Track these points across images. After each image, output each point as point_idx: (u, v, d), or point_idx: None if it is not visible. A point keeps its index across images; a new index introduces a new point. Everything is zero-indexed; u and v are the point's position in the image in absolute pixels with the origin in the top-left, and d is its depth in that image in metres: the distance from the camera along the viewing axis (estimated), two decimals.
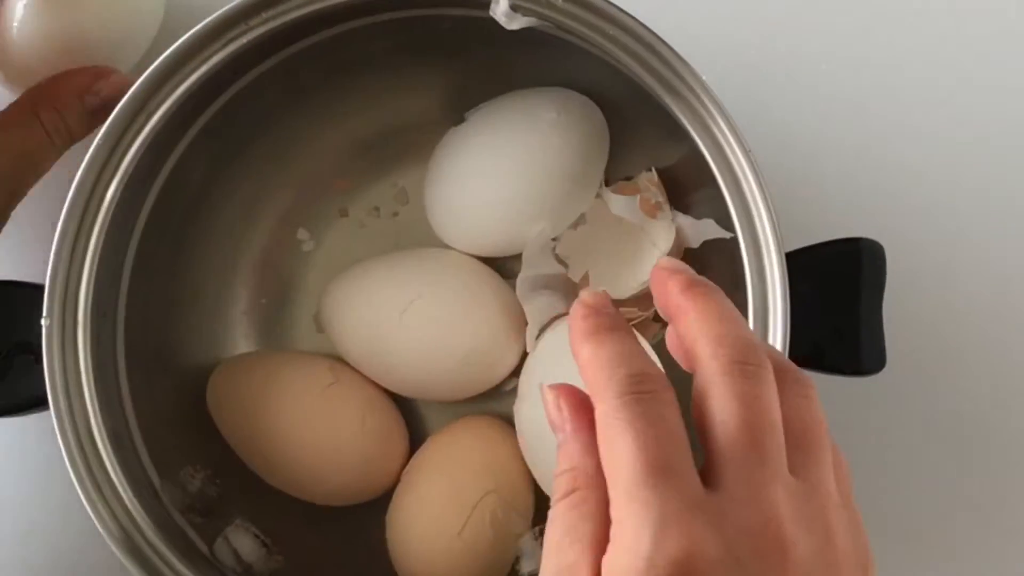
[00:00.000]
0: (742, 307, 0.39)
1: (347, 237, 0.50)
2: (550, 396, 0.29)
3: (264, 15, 0.40)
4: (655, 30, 0.39)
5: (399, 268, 0.47)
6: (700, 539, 0.25)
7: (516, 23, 0.40)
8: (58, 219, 0.39)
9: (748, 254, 0.39)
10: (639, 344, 0.29)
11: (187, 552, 0.40)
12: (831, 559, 0.26)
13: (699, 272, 0.46)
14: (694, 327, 0.29)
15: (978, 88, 0.52)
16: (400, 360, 0.46)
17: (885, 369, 0.41)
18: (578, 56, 0.41)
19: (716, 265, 0.45)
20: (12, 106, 0.39)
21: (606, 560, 0.25)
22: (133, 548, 0.39)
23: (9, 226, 0.51)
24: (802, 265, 0.39)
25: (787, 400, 0.28)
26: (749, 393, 0.27)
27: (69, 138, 0.39)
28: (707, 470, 0.27)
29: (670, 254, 0.46)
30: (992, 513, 0.50)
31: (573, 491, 0.27)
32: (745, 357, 0.27)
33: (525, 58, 0.46)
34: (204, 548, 0.42)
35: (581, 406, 0.28)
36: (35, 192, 0.51)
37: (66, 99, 0.39)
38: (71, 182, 0.39)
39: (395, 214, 0.50)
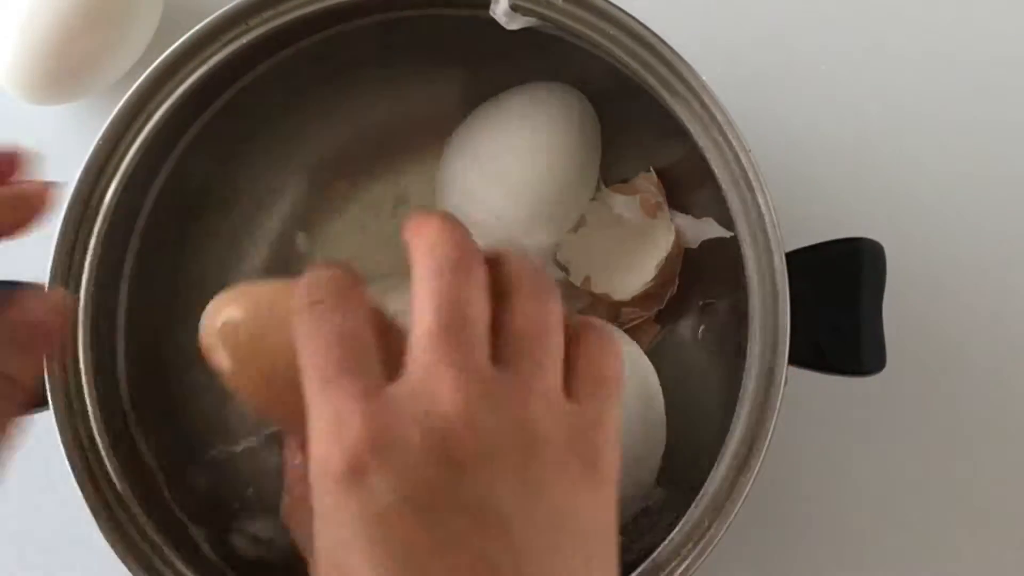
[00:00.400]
0: (743, 307, 0.39)
1: (347, 237, 0.50)
2: None
3: (264, 15, 0.40)
4: (655, 30, 0.39)
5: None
6: (367, 428, 0.25)
7: (516, 23, 0.40)
8: (58, 219, 0.39)
9: (748, 254, 0.39)
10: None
11: (187, 552, 0.40)
12: (523, 443, 0.26)
13: (699, 273, 0.47)
14: (416, 244, 0.29)
15: (979, 88, 0.52)
16: None
17: (885, 369, 0.41)
18: (579, 56, 0.41)
19: (716, 265, 0.45)
20: None
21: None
22: (133, 548, 0.39)
23: None
24: (802, 265, 0.39)
25: (515, 303, 0.28)
26: (445, 288, 0.27)
27: (10, 389, 0.29)
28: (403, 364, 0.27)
29: (671, 254, 0.46)
30: (992, 513, 0.50)
31: None
32: (450, 255, 0.28)
33: (526, 58, 0.46)
34: (205, 548, 0.42)
35: None
36: None
37: None
38: (71, 182, 0.39)
39: (395, 214, 0.50)
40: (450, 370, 0.26)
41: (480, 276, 0.28)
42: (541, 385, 0.27)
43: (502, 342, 0.28)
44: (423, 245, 0.28)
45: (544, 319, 0.28)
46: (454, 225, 0.29)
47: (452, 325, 0.27)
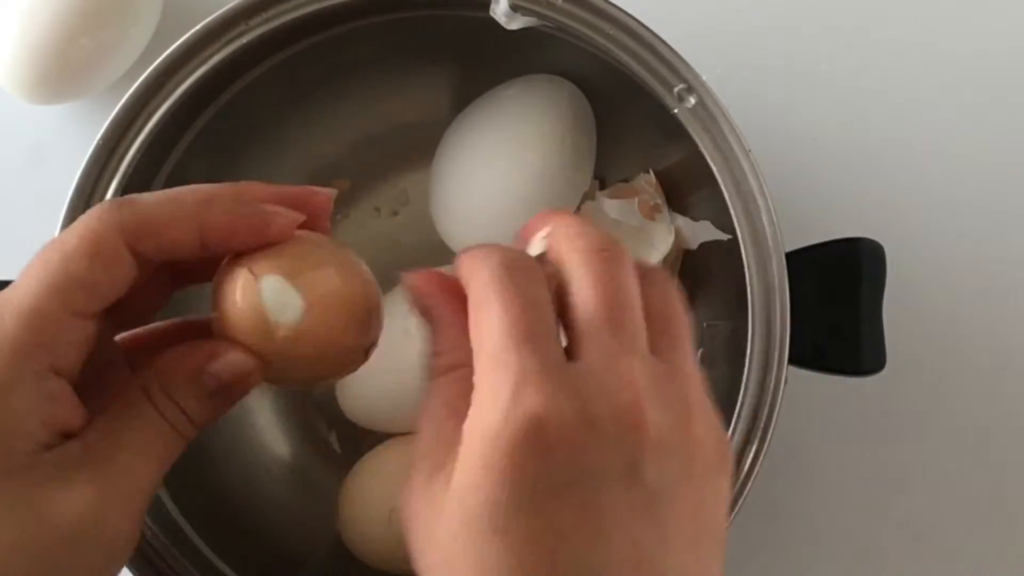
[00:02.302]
0: (743, 307, 0.39)
1: (347, 237, 0.50)
2: (418, 283, 0.29)
3: (264, 15, 0.40)
4: (655, 30, 0.39)
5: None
6: (556, 397, 0.25)
7: (516, 23, 0.40)
8: (58, 219, 0.39)
9: (748, 254, 0.39)
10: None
11: (188, 552, 0.40)
12: (687, 438, 0.27)
13: (698, 273, 0.47)
14: (556, 233, 0.29)
15: (979, 89, 0.52)
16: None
17: (885, 369, 0.41)
18: (579, 56, 0.41)
19: (716, 265, 0.45)
20: (120, 390, 0.29)
21: (467, 421, 0.26)
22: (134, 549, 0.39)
23: (9, 226, 0.51)
24: (802, 265, 0.39)
25: (650, 290, 0.29)
26: (606, 274, 0.28)
27: (191, 425, 0.30)
28: (569, 346, 0.27)
29: (669, 255, 0.46)
30: (992, 513, 0.50)
31: (454, 368, 0.28)
32: (602, 245, 0.28)
33: (525, 59, 0.46)
34: (205, 548, 0.42)
35: (452, 290, 0.29)
36: (35, 192, 0.51)
37: (178, 383, 0.29)
38: (71, 182, 0.39)
39: (395, 214, 0.50)
40: (629, 358, 0.27)
41: (629, 264, 0.29)
42: (689, 377, 0.28)
43: (653, 331, 0.28)
44: (569, 232, 0.29)
45: (676, 309, 0.29)
46: (588, 221, 0.29)
47: (619, 312, 0.27)
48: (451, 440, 0.27)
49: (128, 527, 0.29)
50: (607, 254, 0.28)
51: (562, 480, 0.25)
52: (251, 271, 0.29)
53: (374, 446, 0.47)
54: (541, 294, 0.27)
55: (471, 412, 0.26)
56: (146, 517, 0.39)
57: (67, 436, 0.28)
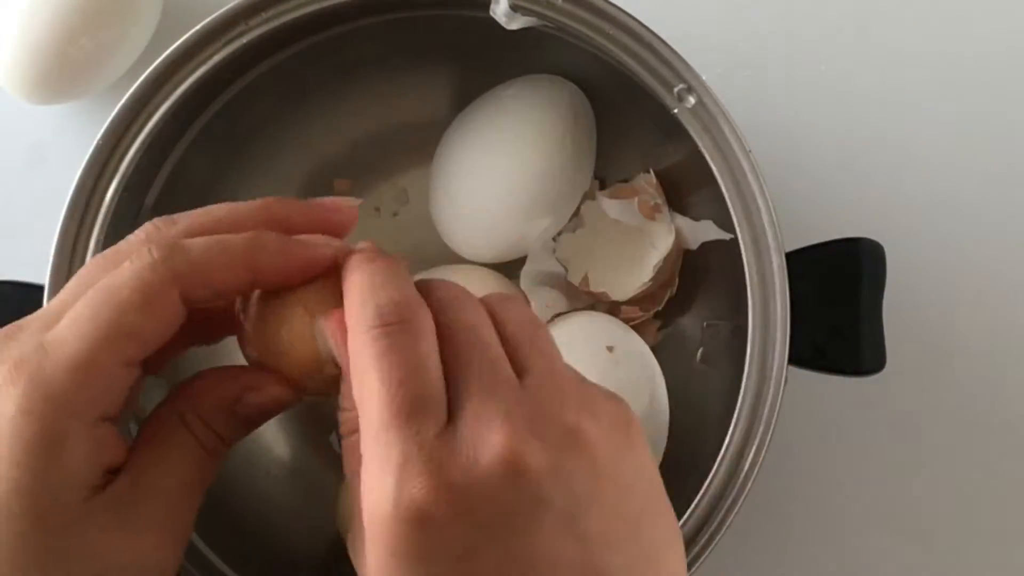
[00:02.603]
0: (743, 307, 0.39)
1: (347, 237, 0.50)
2: (330, 327, 0.28)
3: (264, 15, 0.40)
4: (655, 30, 0.39)
5: None
6: (440, 477, 0.25)
7: (516, 23, 0.40)
8: (58, 219, 0.39)
9: (748, 254, 0.39)
10: (398, 269, 0.28)
11: (188, 552, 0.40)
12: (577, 445, 0.26)
13: (698, 273, 0.47)
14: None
15: (979, 89, 0.52)
16: None
17: (885, 369, 0.41)
18: (579, 57, 0.42)
19: (716, 265, 0.45)
20: (154, 416, 0.30)
21: (362, 500, 0.26)
22: None
23: (9, 226, 0.51)
24: (802, 265, 0.39)
25: (498, 312, 0.28)
26: (455, 323, 0.27)
27: (223, 445, 0.30)
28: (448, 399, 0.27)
29: (669, 255, 0.46)
30: (992, 512, 0.50)
31: (353, 431, 0.28)
32: (443, 294, 0.28)
33: (525, 59, 0.46)
34: (205, 548, 0.42)
35: None
36: (35, 192, 0.51)
37: (213, 410, 0.30)
38: (71, 182, 0.39)
39: (395, 214, 0.50)
40: (496, 402, 0.26)
41: (473, 304, 0.28)
42: (561, 377, 0.27)
43: (508, 349, 0.28)
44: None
45: (522, 317, 0.29)
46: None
47: (477, 351, 0.27)
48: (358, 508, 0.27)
49: (179, 560, 0.29)
50: (450, 303, 0.28)
51: (471, 542, 0.25)
52: (306, 309, 0.29)
53: None
54: (423, 350, 0.26)
55: (363, 495, 0.26)
56: None
57: (111, 471, 0.28)
